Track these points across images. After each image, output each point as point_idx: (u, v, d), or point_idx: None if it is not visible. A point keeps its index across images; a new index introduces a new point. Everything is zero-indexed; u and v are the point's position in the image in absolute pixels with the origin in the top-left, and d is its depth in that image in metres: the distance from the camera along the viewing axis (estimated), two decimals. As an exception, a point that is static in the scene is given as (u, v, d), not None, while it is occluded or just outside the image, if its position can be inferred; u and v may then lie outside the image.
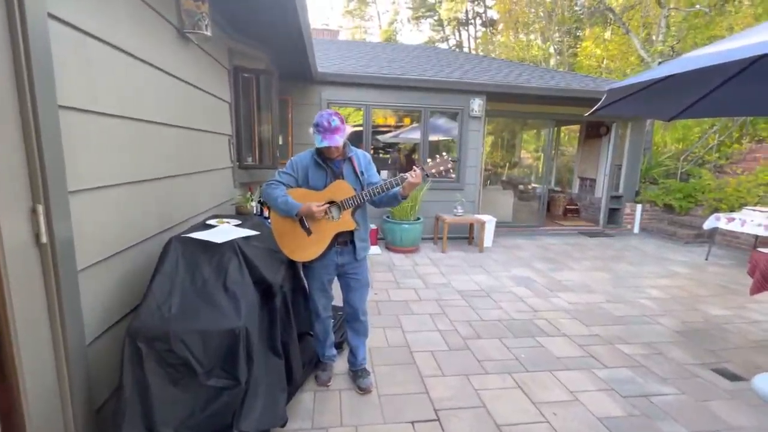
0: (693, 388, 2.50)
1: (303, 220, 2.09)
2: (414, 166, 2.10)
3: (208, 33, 2.43)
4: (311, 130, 2.09)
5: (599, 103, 2.60)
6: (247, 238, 1.88)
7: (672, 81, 2.69)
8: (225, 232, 1.90)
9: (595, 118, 7.11)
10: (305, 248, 2.10)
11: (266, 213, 3.48)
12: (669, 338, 3.19)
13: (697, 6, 9.17)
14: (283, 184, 2.11)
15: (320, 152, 2.10)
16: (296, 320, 2.19)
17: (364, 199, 2.08)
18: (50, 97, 1.24)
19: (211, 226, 2.02)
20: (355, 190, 2.10)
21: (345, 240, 2.17)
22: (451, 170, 2.12)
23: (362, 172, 2.16)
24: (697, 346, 3.06)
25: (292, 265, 2.28)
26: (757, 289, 3.06)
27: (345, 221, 2.10)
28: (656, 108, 3.39)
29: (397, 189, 2.09)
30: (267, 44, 3.86)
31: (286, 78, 5.20)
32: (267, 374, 1.68)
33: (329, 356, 2.47)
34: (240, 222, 2.17)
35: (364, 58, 6.97)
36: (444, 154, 2.14)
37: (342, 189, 2.08)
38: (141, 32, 1.84)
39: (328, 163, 2.12)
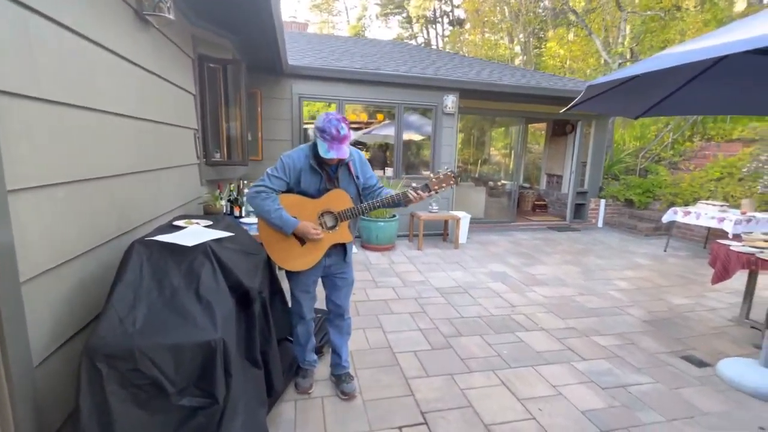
0: (666, 377, 2.59)
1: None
2: (414, 185, 2.02)
3: (171, 16, 2.22)
4: (312, 132, 1.92)
5: (577, 99, 2.62)
6: (220, 240, 1.72)
7: (641, 79, 2.78)
8: (195, 233, 1.74)
9: (563, 116, 7.33)
10: (298, 258, 1.99)
11: (237, 212, 3.28)
12: (639, 328, 3.31)
13: (649, 12, 9.69)
14: (274, 190, 1.91)
15: (317, 156, 1.92)
16: (275, 327, 2.04)
17: (363, 211, 1.98)
18: (-19, 78, 1.04)
19: (179, 228, 1.84)
20: (352, 197, 1.99)
21: (335, 245, 2.06)
22: (453, 185, 2.03)
23: (358, 176, 2.05)
24: (665, 335, 3.19)
25: (268, 266, 2.13)
26: (717, 278, 3.23)
27: (342, 233, 2.01)
28: (625, 106, 3.50)
29: (398, 201, 2.00)
30: (234, 32, 3.63)
31: (254, 70, 4.96)
32: (246, 388, 1.54)
33: (310, 361, 2.34)
34: (210, 222, 2.00)
35: (335, 52, 6.80)
36: (446, 167, 2.08)
37: (340, 199, 1.97)
38: (93, 11, 1.63)
39: (324, 167, 1.98)
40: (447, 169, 2.05)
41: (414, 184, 2.04)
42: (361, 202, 2.03)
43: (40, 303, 1.28)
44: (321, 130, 1.80)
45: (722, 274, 3.20)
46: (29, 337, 1.21)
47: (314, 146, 1.92)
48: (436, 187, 1.99)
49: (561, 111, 3.01)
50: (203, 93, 3.36)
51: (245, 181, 3.85)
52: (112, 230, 1.78)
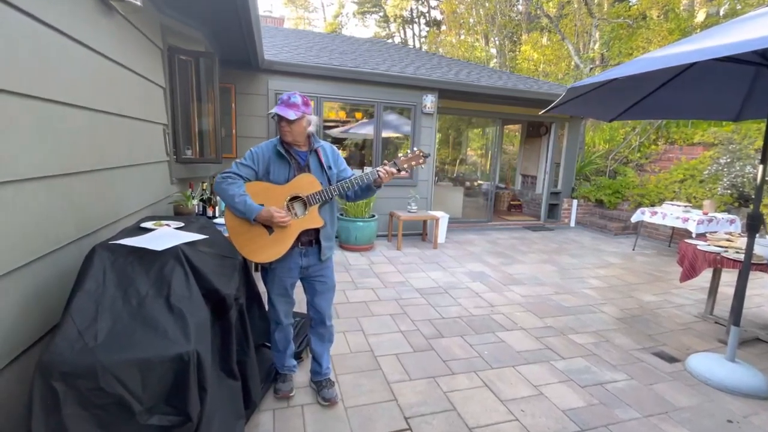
0: (639, 373, 2.66)
1: None
2: (385, 161, 2.00)
3: (137, 2, 2.07)
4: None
5: (558, 100, 2.65)
6: (193, 243, 1.61)
7: (617, 84, 2.87)
8: (165, 236, 1.61)
9: (537, 118, 7.50)
10: (265, 248, 1.87)
11: (210, 212, 3.13)
12: (613, 326, 3.40)
13: (618, 20, 10.08)
14: (242, 177, 1.87)
15: (283, 141, 1.91)
16: (252, 333, 1.94)
17: (332, 194, 1.91)
18: None
19: (147, 230, 1.71)
20: (322, 184, 1.92)
21: (310, 239, 1.98)
22: (422, 164, 2.03)
23: (330, 166, 1.99)
24: (636, 332, 3.29)
25: (245, 270, 2.03)
26: (685, 276, 3.36)
27: (311, 218, 1.91)
28: (600, 109, 3.59)
29: (369, 182, 1.96)
30: (207, 24, 3.47)
31: (228, 64, 4.77)
32: (222, 401, 1.44)
33: (289, 367, 2.25)
34: (182, 224, 1.87)
35: (313, 48, 6.65)
36: (415, 148, 2.04)
37: (307, 183, 1.89)
38: (48, -9, 1.48)
39: (291, 153, 1.93)
40: (416, 149, 2.06)
41: (384, 161, 2.03)
42: None
43: (-16, 316, 1.14)
44: (278, 99, 1.89)
45: (690, 272, 3.34)
46: (-29, 356, 1.07)
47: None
48: (405, 165, 2.01)
49: (541, 112, 3.04)
50: (173, 86, 3.18)
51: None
52: (70, 233, 1.63)
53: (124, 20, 2.21)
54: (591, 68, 10.00)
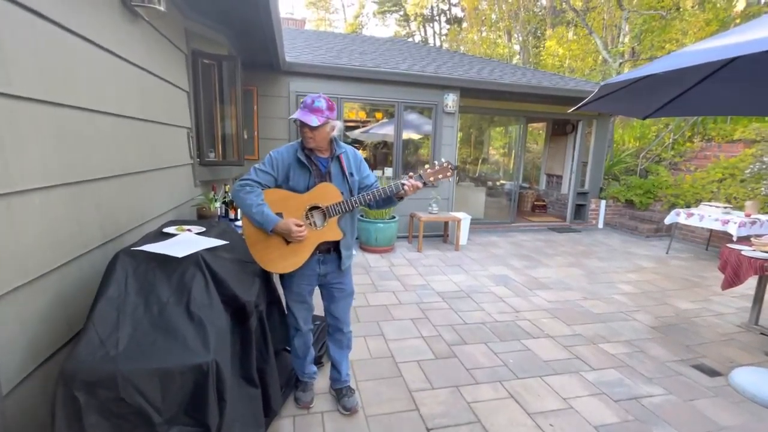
0: (678, 387, 2.50)
1: None
2: (410, 173, 1.91)
3: (162, 8, 2.08)
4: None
5: (590, 97, 2.52)
6: (213, 249, 1.60)
7: (651, 80, 2.70)
8: (186, 242, 1.61)
9: (563, 115, 7.25)
10: (282, 259, 1.84)
11: (233, 215, 3.15)
12: (647, 335, 3.22)
13: (650, 12, 9.61)
14: (260, 184, 1.81)
15: (305, 146, 1.84)
16: (272, 338, 1.92)
17: (353, 205, 1.84)
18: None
19: (169, 235, 1.71)
20: (343, 194, 1.85)
21: (328, 247, 1.92)
22: (450, 177, 1.93)
23: (352, 173, 1.91)
24: (673, 342, 3.10)
25: (265, 275, 2.01)
26: (728, 284, 3.14)
27: (330, 230, 1.85)
28: (633, 106, 3.41)
29: (392, 194, 1.88)
30: (230, 27, 3.49)
31: (250, 67, 4.82)
32: (241, 410, 1.42)
33: (309, 374, 2.22)
34: (204, 229, 1.87)
35: (333, 49, 6.65)
36: (443, 160, 1.96)
37: (328, 193, 1.83)
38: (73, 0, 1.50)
39: (312, 159, 1.86)
40: (444, 161, 1.94)
41: (410, 173, 1.92)
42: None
43: (11, 323, 1.15)
44: (301, 102, 1.81)
45: (733, 279, 3.12)
46: (-3, 363, 1.08)
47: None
48: (431, 179, 1.91)
49: (570, 110, 2.90)
50: (197, 90, 3.22)
51: (241, 182, 3.71)
52: (97, 238, 1.65)
53: (148, 26, 2.24)
54: (620, 63, 9.60)
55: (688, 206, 6.42)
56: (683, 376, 2.63)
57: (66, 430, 1.07)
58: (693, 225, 5.54)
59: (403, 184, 1.83)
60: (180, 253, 1.45)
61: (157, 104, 2.39)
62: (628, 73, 2.36)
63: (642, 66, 2.63)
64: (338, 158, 1.89)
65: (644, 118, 3.47)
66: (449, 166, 1.92)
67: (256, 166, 1.85)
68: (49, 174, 1.34)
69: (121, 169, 1.88)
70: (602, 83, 2.35)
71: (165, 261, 1.42)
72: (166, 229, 1.79)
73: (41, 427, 1.25)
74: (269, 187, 1.84)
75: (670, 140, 8.13)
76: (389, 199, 1.91)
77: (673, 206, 6.73)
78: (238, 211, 3.16)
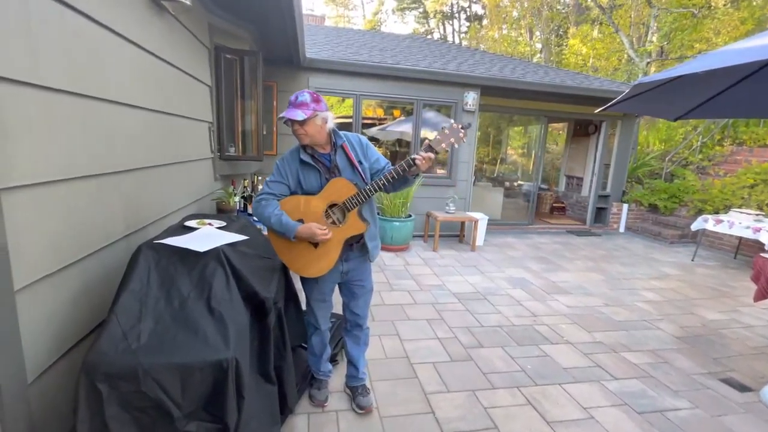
0: (705, 402, 2.39)
1: None
2: (422, 147, 1.75)
3: (187, 2, 2.09)
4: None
5: (621, 96, 2.43)
6: (233, 244, 1.59)
7: (684, 80, 2.58)
8: (207, 236, 1.60)
9: (587, 116, 7.05)
10: (314, 263, 1.82)
11: (250, 209, 3.16)
12: (672, 345, 3.10)
13: (681, 9, 9.25)
14: (275, 195, 1.79)
15: (305, 147, 1.80)
16: (289, 333, 1.91)
17: (369, 194, 1.77)
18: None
19: (190, 229, 1.71)
20: (356, 185, 1.80)
21: (351, 242, 1.89)
22: (464, 139, 1.76)
23: (360, 161, 1.85)
24: (700, 354, 2.98)
25: (284, 270, 1.99)
26: (761, 295, 2.99)
27: (353, 224, 1.81)
28: (664, 106, 3.28)
29: (405, 171, 1.76)
30: (252, 22, 3.50)
31: (271, 62, 4.83)
32: (258, 408, 1.41)
33: (325, 372, 2.21)
34: (224, 223, 1.87)
35: (353, 46, 6.63)
36: (452, 122, 1.83)
37: (341, 187, 1.78)
38: (103, -8, 1.50)
39: (317, 157, 1.82)
40: (454, 123, 1.78)
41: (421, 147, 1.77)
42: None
43: (37, 313, 1.16)
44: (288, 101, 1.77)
45: (766, 291, 2.97)
46: (23, 352, 1.09)
47: None
48: (443, 145, 1.73)
49: (597, 110, 2.81)
50: (219, 85, 3.24)
51: (259, 177, 3.73)
52: (120, 230, 1.67)
53: (174, 20, 2.25)
54: (647, 62, 9.27)
55: (717, 212, 6.17)
56: (711, 390, 2.52)
57: (88, 421, 1.07)
58: (721, 232, 5.32)
59: (413, 159, 1.71)
60: (201, 247, 1.45)
61: (180, 98, 2.41)
62: (662, 72, 2.26)
63: (676, 66, 2.52)
64: (342, 149, 1.84)
65: (675, 120, 3.34)
66: (459, 127, 1.73)
67: (267, 178, 1.85)
68: (75, 165, 1.35)
69: (144, 161, 1.90)
70: (635, 82, 2.26)
71: (186, 255, 1.42)
72: (187, 223, 1.80)
73: (64, 416, 1.26)
74: (285, 196, 1.81)
75: (699, 143, 7.83)
76: (405, 179, 1.81)
77: (700, 212, 6.49)
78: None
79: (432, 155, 1.72)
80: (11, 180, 1.05)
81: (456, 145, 1.75)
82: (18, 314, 1.07)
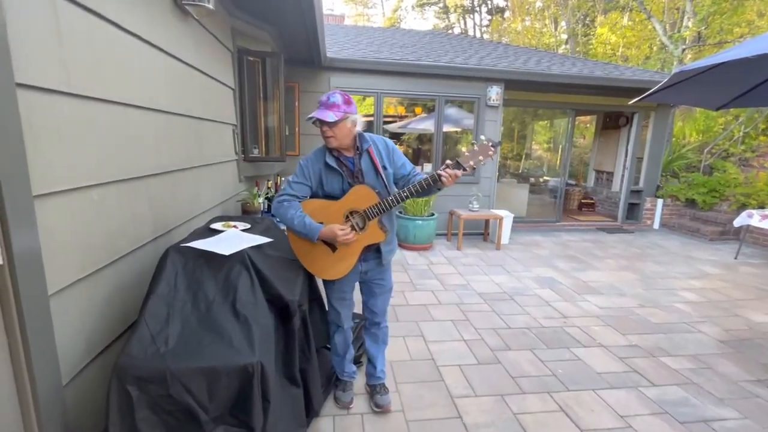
0: (754, 411, 2.22)
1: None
2: (448, 161, 1.72)
3: (210, 6, 2.10)
4: None
5: (660, 85, 2.30)
6: (259, 247, 1.59)
7: (726, 67, 2.40)
8: (232, 239, 1.61)
9: (617, 108, 6.75)
10: (332, 266, 1.81)
11: (274, 210, 3.19)
12: (715, 349, 2.91)
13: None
14: (297, 197, 1.77)
15: (329, 148, 1.78)
16: (313, 335, 1.90)
17: (390, 205, 1.74)
18: (4, 72, 0.94)
19: (216, 231, 1.73)
20: (379, 193, 1.76)
21: (369, 246, 1.87)
22: (492, 156, 1.73)
23: (384, 167, 1.82)
24: (747, 359, 2.78)
25: (308, 272, 1.99)
26: (817, 297, 2.76)
27: (372, 233, 1.79)
28: (704, 96, 3.09)
29: (429, 186, 1.74)
30: (273, 24, 3.52)
31: (292, 63, 4.86)
32: (284, 411, 1.40)
33: (349, 373, 2.20)
34: (249, 225, 1.87)
35: (374, 44, 6.59)
36: (482, 137, 1.79)
37: (363, 196, 1.75)
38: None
39: (342, 161, 1.79)
40: (484, 139, 1.75)
41: (447, 161, 1.73)
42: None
43: (70, 316, 1.19)
44: (318, 101, 1.75)
45: (824, 292, 2.74)
46: (58, 354, 1.11)
47: None
48: (470, 163, 1.70)
49: (631, 101, 2.66)
50: (242, 87, 3.27)
51: (282, 178, 3.76)
52: (148, 233, 1.70)
53: (198, 25, 2.28)
54: (683, 49, 8.77)
55: (762, 207, 5.78)
56: (761, 399, 2.34)
57: (119, 422, 1.09)
58: (767, 228, 4.98)
59: (440, 176, 1.68)
60: (226, 250, 1.45)
61: (205, 102, 2.44)
62: (704, 59, 2.11)
63: (716, 53, 2.35)
64: (367, 152, 1.80)
65: (717, 110, 3.13)
66: (490, 144, 1.71)
67: (289, 178, 1.82)
68: (105, 170, 1.38)
69: (171, 165, 1.93)
70: (676, 70, 2.12)
71: (212, 258, 1.43)
72: (213, 225, 1.82)
73: (96, 417, 1.29)
74: (306, 198, 1.80)
75: (741, 133, 7.35)
76: (428, 192, 1.78)
77: (743, 207, 6.09)
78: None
79: (459, 173, 1.69)
80: (44, 187, 1.07)
81: (484, 163, 1.72)
82: (52, 317, 1.10)
